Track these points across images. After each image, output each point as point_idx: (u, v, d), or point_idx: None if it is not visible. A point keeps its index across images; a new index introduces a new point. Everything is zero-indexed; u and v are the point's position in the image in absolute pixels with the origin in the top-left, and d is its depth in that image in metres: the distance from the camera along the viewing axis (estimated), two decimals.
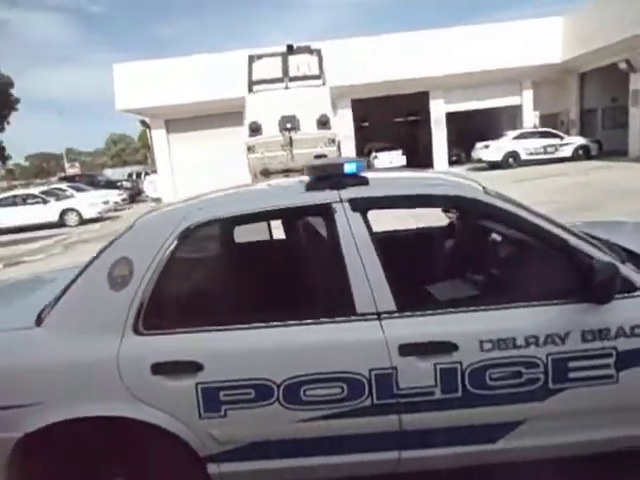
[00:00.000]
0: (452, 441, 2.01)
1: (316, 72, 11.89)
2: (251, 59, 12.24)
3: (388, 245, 2.11)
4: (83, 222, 17.34)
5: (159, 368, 1.92)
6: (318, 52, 12.13)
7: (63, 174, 42.98)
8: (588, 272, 1.86)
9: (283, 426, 1.97)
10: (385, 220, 3.10)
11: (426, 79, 21.00)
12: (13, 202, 17.99)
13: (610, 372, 1.94)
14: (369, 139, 25.00)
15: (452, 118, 23.23)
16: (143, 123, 24.69)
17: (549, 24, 20.95)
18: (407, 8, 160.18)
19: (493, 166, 20.21)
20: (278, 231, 3.02)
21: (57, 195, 18.81)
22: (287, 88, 11.71)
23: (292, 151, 11.11)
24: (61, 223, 17.43)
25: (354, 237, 2.02)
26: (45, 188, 20.44)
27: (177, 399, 1.94)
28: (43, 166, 75.71)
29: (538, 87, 22.81)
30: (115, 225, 15.38)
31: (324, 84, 11.83)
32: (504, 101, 23.21)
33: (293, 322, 1.98)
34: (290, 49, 12.13)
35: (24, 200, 18.04)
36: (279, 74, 11.92)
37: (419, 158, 25.57)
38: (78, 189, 21.68)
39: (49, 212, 17.51)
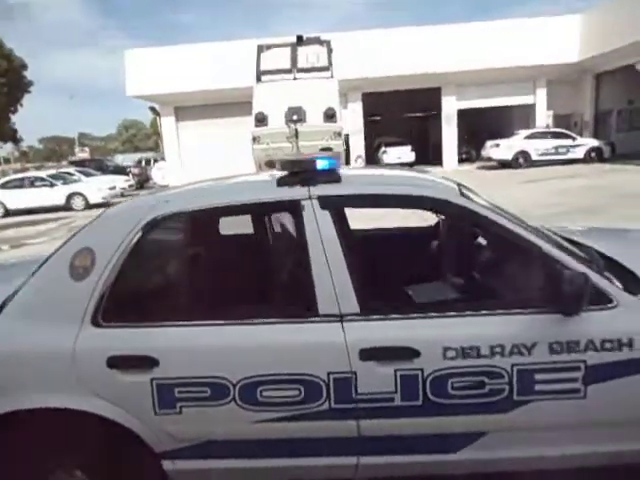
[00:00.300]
0: (412, 449, 1.96)
1: (325, 64, 11.74)
2: (260, 49, 12.09)
3: (370, 245, 2.05)
4: (89, 206, 17.37)
5: (115, 362, 1.89)
6: (328, 43, 11.95)
7: (73, 158, 43.25)
8: (557, 281, 1.78)
9: (239, 426, 1.94)
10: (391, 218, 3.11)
11: (439, 75, 20.75)
12: (21, 184, 18.16)
13: (577, 386, 1.87)
14: (379, 133, 24.81)
15: (463, 115, 22.94)
16: (153, 110, 24.71)
17: (567, 22, 20.53)
18: (422, 1, 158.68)
19: (503, 165, 20.00)
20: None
21: (64, 179, 18.90)
22: (295, 79, 11.59)
23: (297, 143, 11.01)
24: (67, 207, 17.54)
25: (321, 236, 1.96)
26: (53, 172, 20.55)
27: (132, 394, 1.91)
28: (56, 149, 76.34)
29: (552, 86, 22.38)
30: None
31: (332, 76, 11.70)
32: (517, 100, 22.81)
33: (253, 321, 1.94)
34: (300, 40, 11.99)
35: (32, 183, 18.16)
36: (287, 65, 11.79)
37: (429, 155, 25.38)
38: (86, 174, 21.77)
39: (56, 195, 17.62)
